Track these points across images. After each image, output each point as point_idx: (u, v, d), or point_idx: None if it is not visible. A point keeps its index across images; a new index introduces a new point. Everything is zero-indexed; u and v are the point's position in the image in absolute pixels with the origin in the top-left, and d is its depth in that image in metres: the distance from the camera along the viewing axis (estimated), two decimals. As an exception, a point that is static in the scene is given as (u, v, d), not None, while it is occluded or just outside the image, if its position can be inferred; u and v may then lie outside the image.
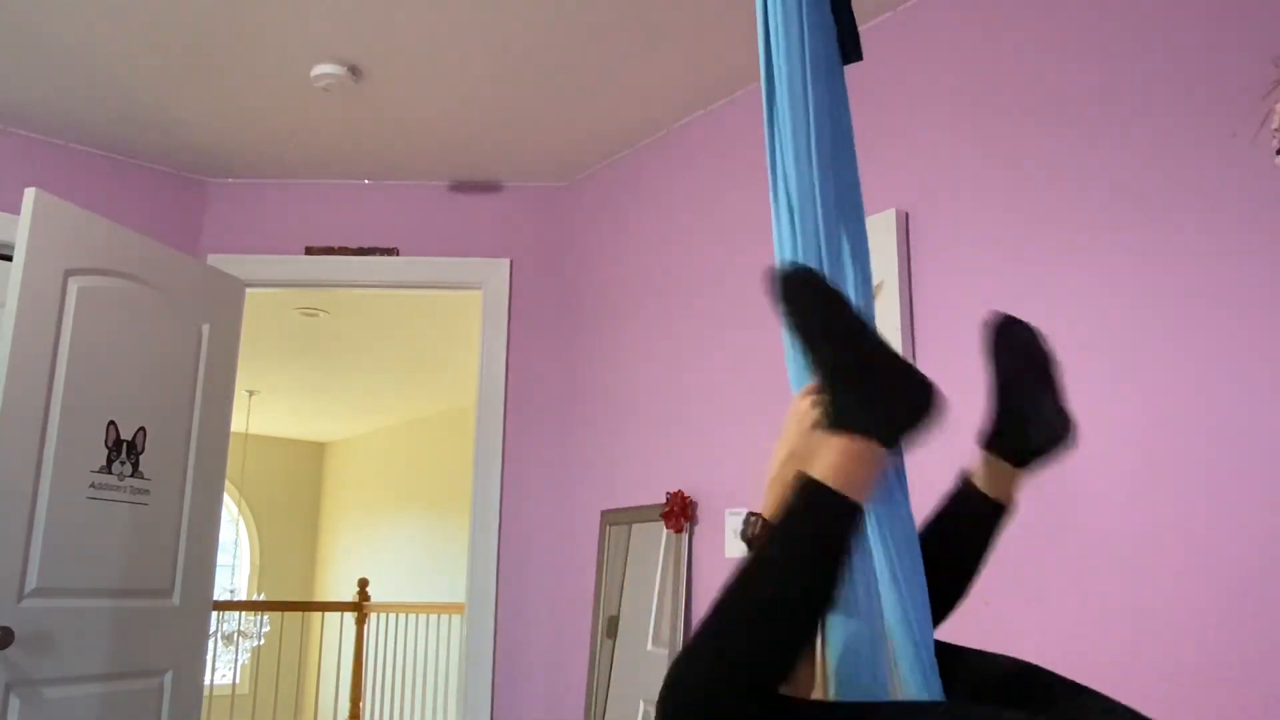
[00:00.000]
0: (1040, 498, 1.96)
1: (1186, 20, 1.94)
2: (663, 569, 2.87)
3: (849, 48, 1.26)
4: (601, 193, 3.48)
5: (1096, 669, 1.24)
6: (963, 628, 2.15)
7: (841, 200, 1.16)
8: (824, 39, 1.21)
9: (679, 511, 2.82)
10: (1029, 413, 1.18)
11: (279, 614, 6.95)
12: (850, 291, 1.13)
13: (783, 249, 1.15)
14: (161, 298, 3.04)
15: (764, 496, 1.07)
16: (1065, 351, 2.02)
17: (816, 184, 1.13)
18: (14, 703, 2.51)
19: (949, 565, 1.21)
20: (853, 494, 0.96)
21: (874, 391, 0.99)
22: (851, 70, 1.29)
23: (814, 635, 1.01)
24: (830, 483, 0.95)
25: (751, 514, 1.10)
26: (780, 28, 1.17)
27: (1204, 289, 1.84)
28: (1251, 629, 1.70)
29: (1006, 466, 1.20)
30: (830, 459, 0.97)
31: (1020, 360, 1.21)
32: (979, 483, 1.22)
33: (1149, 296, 1.92)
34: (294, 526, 9.43)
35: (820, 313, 1.03)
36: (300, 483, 9.57)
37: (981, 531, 1.23)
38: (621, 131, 3.25)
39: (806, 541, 0.96)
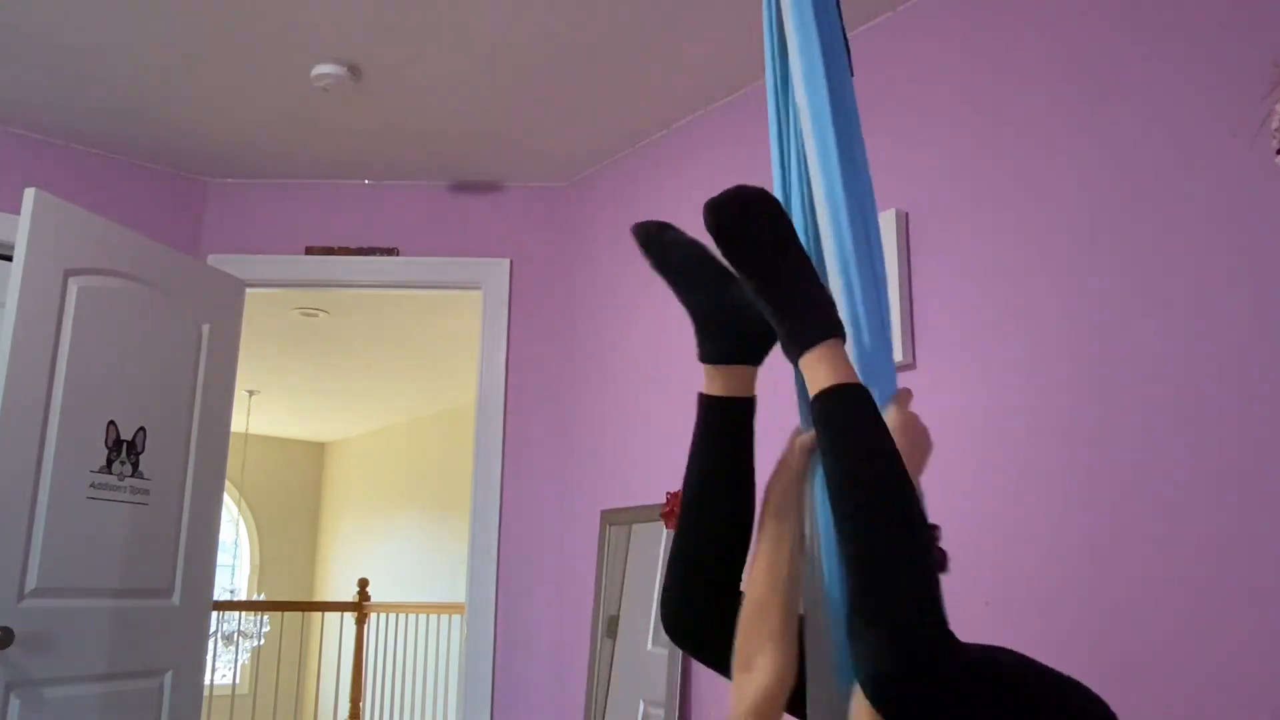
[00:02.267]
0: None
1: (1186, 20, 1.94)
2: (662, 569, 2.87)
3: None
4: (601, 193, 3.48)
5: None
6: (963, 627, 2.14)
7: (864, 200, 1.18)
8: (838, 43, 1.24)
9: (679, 511, 2.81)
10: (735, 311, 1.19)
11: (279, 614, 6.95)
12: (862, 291, 1.15)
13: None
14: (161, 298, 3.04)
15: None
16: (1065, 352, 2.03)
17: (841, 186, 1.16)
18: (14, 703, 2.51)
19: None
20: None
21: (823, 302, 1.08)
22: (854, 70, 1.30)
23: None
24: (847, 380, 1.04)
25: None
26: (808, 24, 1.19)
27: (1204, 289, 1.84)
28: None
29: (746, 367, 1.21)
30: (834, 366, 1.04)
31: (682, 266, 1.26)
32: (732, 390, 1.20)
33: (1150, 297, 1.92)
34: (294, 526, 9.43)
35: (776, 247, 1.09)
36: (300, 483, 9.57)
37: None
38: (621, 131, 3.25)
39: (882, 433, 1.02)
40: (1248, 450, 1.74)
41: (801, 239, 1.18)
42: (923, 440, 1.13)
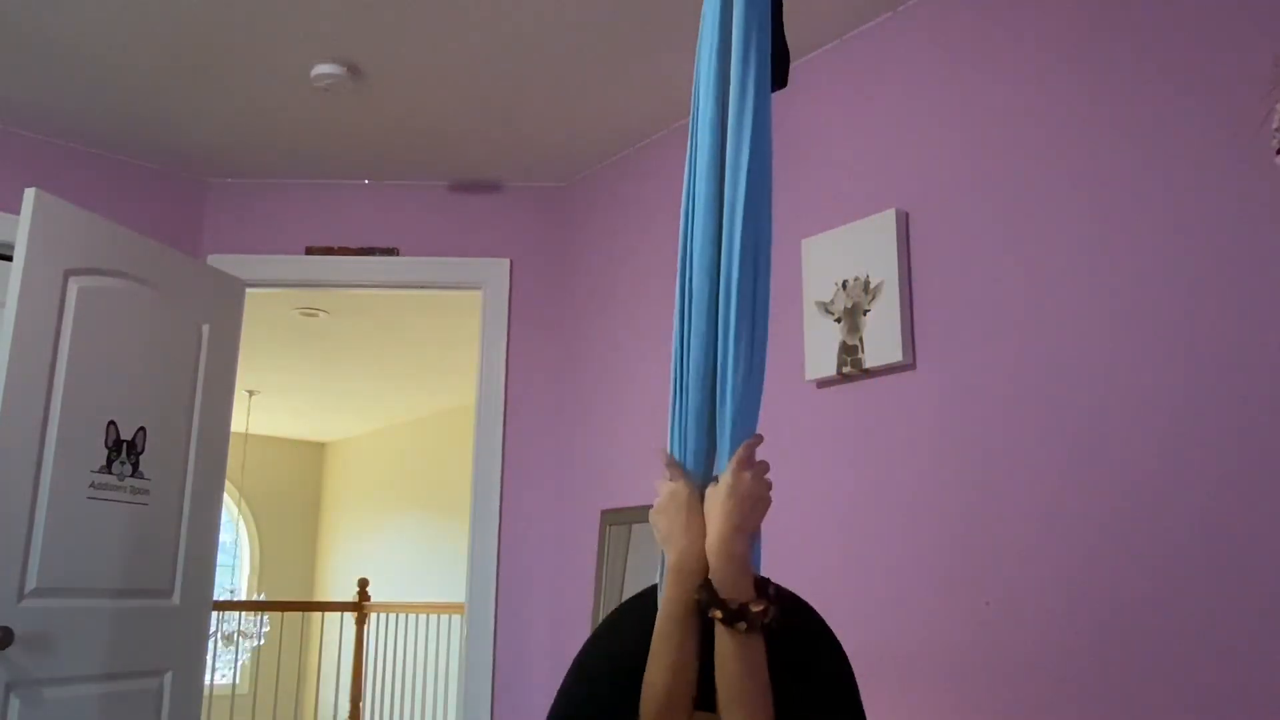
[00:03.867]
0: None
1: (1185, 19, 1.94)
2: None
3: (778, 73, 1.26)
4: (601, 193, 3.48)
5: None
6: (963, 627, 2.15)
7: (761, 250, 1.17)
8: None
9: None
10: None
11: (279, 614, 6.96)
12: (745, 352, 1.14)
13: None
14: (161, 298, 3.04)
15: (719, 567, 1.14)
16: (1065, 351, 2.03)
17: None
18: (14, 703, 2.51)
19: None
20: None
21: None
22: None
23: None
24: None
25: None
26: (751, 59, 1.17)
27: (1204, 290, 1.84)
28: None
29: None
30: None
31: None
32: None
33: (1149, 297, 1.92)
34: (294, 526, 9.43)
35: None
36: (300, 483, 9.57)
37: None
38: (621, 131, 3.25)
39: None
40: (1250, 452, 1.74)
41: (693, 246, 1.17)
42: (749, 499, 1.11)
